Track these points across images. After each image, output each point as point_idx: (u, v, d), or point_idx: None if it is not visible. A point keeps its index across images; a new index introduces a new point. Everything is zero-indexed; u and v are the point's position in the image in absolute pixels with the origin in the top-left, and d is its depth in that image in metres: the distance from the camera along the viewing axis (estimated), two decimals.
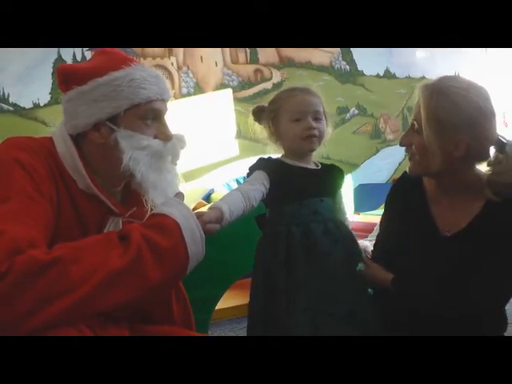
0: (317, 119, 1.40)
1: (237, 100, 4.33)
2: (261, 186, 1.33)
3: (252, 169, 1.40)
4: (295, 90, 1.42)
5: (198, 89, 4.19)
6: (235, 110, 4.30)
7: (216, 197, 3.37)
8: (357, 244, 1.49)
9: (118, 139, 1.08)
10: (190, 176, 4.04)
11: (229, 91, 4.33)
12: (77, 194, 1.07)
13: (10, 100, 3.42)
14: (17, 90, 3.34)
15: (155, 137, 1.12)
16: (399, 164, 5.33)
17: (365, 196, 4.26)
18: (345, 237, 1.43)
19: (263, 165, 1.39)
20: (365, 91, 5.13)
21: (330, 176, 1.46)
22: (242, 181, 3.77)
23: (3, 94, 3.44)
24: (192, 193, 3.62)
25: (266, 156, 1.47)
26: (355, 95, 5.05)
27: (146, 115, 1.12)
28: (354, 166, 5.00)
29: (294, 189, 1.37)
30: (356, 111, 5.07)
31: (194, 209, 2.93)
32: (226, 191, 3.59)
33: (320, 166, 1.47)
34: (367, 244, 2.82)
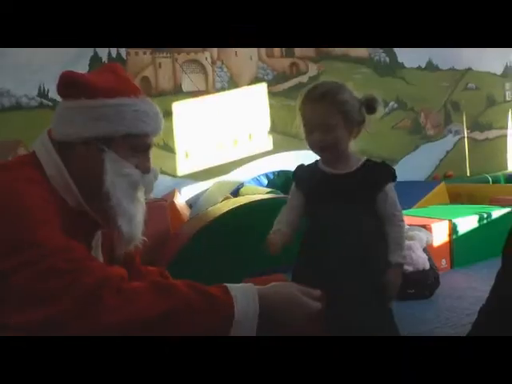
0: (325, 131, 1.32)
1: (271, 94, 4.30)
2: (296, 207, 1.41)
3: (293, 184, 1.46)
4: (306, 96, 1.36)
5: (232, 83, 4.19)
6: (269, 105, 4.27)
7: (245, 191, 3.37)
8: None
9: (105, 161, 1.09)
10: (220, 170, 4.07)
11: (263, 85, 4.31)
12: (68, 213, 1.08)
13: (50, 96, 3.56)
14: (55, 87, 3.45)
15: (136, 167, 1.14)
16: (440, 161, 5.17)
17: (400, 194, 4.14)
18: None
19: (295, 180, 1.45)
20: (405, 84, 4.98)
21: (358, 181, 1.36)
22: (271, 176, 3.75)
23: (43, 90, 3.57)
24: (221, 187, 3.64)
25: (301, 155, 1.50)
26: (394, 88, 4.91)
27: (137, 147, 1.14)
28: (391, 163, 4.84)
29: (315, 197, 1.39)
30: (395, 105, 4.93)
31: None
32: (255, 186, 3.59)
33: (353, 170, 1.37)
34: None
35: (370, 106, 1.38)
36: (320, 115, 1.32)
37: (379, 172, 1.38)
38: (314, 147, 1.36)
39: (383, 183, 1.36)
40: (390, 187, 1.38)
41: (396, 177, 1.40)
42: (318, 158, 1.42)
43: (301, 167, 1.47)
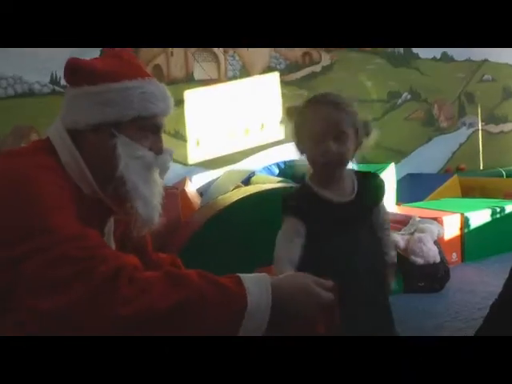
0: (340, 140, 1.20)
1: (284, 83, 4.27)
2: (299, 240, 1.22)
3: (284, 212, 1.26)
4: (320, 101, 1.23)
5: (244, 72, 4.17)
6: (282, 94, 4.25)
7: (256, 180, 3.37)
8: None
9: (117, 145, 1.09)
10: (231, 159, 4.06)
11: (276, 74, 4.29)
12: (82, 200, 1.08)
13: (61, 83, 3.57)
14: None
15: (149, 148, 1.13)
16: (452, 153, 5.11)
17: (411, 186, 4.12)
18: None
19: (291, 210, 1.24)
20: (419, 75, 4.92)
21: (362, 206, 1.27)
22: (282, 165, 3.74)
23: (55, 77, 3.58)
24: (232, 176, 3.63)
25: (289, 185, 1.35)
26: (408, 79, 4.85)
27: (148, 128, 1.13)
28: (403, 155, 4.83)
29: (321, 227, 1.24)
30: (409, 96, 4.87)
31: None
32: (266, 175, 3.58)
33: (355, 193, 1.26)
34: (397, 238, 2.74)
35: (367, 127, 1.26)
36: (335, 121, 1.19)
37: (376, 189, 1.31)
38: (325, 159, 1.20)
39: (381, 200, 1.33)
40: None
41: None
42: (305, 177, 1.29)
43: (293, 196, 1.29)
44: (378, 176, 1.34)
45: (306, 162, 1.27)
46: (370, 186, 1.30)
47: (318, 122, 1.20)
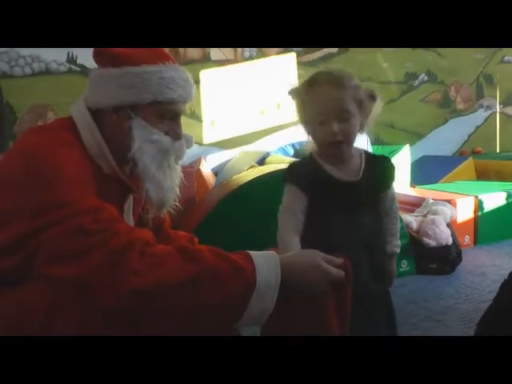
0: (343, 118, 1.18)
1: (300, 64, 4.24)
2: (299, 214, 1.22)
3: (284, 180, 1.25)
4: (319, 81, 1.20)
5: (261, 53, 4.15)
6: (298, 75, 4.22)
7: (271, 160, 3.37)
8: None
9: (133, 127, 1.11)
10: (247, 139, 4.07)
11: (292, 55, 4.26)
12: (102, 178, 1.11)
13: (78, 62, 3.59)
14: (83, 52, 3.48)
15: (166, 133, 1.15)
16: (468, 136, 5.05)
17: (426, 168, 4.10)
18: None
19: (295, 179, 1.24)
20: (436, 56, 4.83)
21: (368, 188, 1.25)
22: (297, 146, 3.74)
23: (72, 56, 3.60)
24: (247, 156, 3.65)
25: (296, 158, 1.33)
26: (425, 60, 4.77)
27: (165, 114, 1.15)
28: (419, 136, 4.78)
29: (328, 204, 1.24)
30: (425, 78, 4.80)
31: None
32: (281, 155, 3.59)
33: (361, 174, 1.25)
34: (410, 220, 2.74)
35: (370, 94, 1.24)
36: (338, 100, 1.17)
37: (384, 173, 1.28)
38: (330, 139, 1.19)
39: (388, 187, 1.29)
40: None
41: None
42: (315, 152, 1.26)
43: (297, 166, 1.28)
44: (389, 160, 1.31)
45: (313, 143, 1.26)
46: (379, 170, 1.27)
47: (318, 103, 1.18)
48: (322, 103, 1.18)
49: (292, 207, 1.22)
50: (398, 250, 1.33)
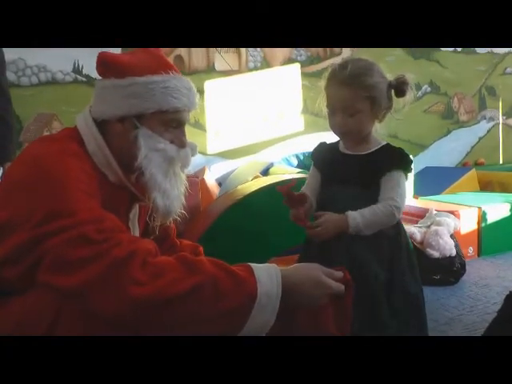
0: (349, 114, 1.29)
1: (304, 75, 4.27)
2: (313, 185, 1.43)
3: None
4: (334, 77, 1.31)
5: (265, 63, 4.18)
6: (302, 85, 4.25)
7: (274, 171, 3.38)
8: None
9: (139, 137, 1.13)
10: (251, 150, 4.09)
11: (297, 66, 4.29)
12: (108, 187, 1.13)
13: (84, 72, 3.63)
14: (89, 63, 3.51)
15: (171, 141, 1.16)
16: (471, 147, 5.07)
17: (429, 180, 4.10)
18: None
19: (314, 158, 1.46)
20: (439, 67, 4.86)
21: (369, 164, 1.33)
22: (301, 157, 3.76)
23: (78, 66, 3.63)
24: (251, 166, 3.66)
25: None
26: (428, 72, 4.80)
27: (170, 123, 1.16)
28: (422, 147, 4.80)
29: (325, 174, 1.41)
30: (428, 89, 4.83)
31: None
32: (284, 166, 3.60)
33: (367, 152, 1.35)
34: (414, 231, 2.74)
35: (399, 89, 1.33)
36: (345, 99, 1.28)
37: (391, 156, 1.33)
38: (335, 130, 1.34)
39: (390, 167, 1.30)
40: (400, 175, 1.31)
41: (411, 168, 1.33)
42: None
43: (321, 146, 1.46)
44: (403, 151, 1.35)
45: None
46: (388, 151, 1.35)
47: (329, 96, 1.32)
48: (331, 98, 1.31)
49: (308, 183, 1.43)
50: (353, 231, 1.28)
